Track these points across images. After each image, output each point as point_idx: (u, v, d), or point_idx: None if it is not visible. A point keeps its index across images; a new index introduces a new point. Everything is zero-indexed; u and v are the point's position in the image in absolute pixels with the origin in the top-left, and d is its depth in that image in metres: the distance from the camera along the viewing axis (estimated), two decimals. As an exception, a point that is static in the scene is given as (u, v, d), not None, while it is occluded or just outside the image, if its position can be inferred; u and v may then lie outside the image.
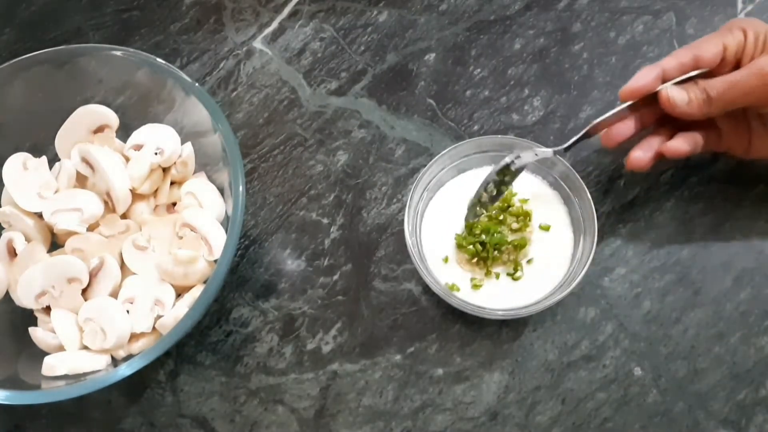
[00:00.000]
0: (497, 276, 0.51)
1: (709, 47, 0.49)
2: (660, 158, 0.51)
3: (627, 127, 0.51)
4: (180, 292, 0.51)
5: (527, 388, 0.50)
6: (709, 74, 0.49)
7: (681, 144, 0.50)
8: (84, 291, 0.51)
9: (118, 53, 0.55)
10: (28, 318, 0.52)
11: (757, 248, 0.53)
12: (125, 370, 0.45)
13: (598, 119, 0.50)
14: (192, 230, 0.51)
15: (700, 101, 0.48)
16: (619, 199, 0.55)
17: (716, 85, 0.48)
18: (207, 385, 0.53)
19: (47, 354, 0.50)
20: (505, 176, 0.53)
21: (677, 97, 0.48)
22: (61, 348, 0.50)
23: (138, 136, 0.56)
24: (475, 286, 0.51)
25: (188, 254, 0.50)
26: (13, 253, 0.52)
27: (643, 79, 0.49)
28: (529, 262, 0.51)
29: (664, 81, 0.49)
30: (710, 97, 0.48)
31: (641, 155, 0.50)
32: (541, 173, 0.54)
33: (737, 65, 0.49)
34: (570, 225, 0.53)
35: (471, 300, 0.50)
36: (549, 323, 0.52)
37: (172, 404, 0.52)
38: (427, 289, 0.54)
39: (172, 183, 0.56)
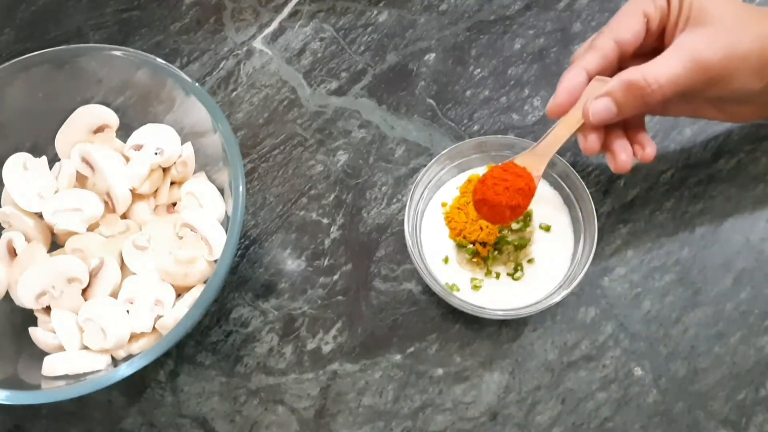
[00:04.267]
0: (497, 276, 0.51)
1: (630, 25, 0.44)
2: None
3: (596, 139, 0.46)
4: (180, 292, 0.51)
5: (527, 388, 0.50)
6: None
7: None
8: (84, 291, 0.51)
9: (118, 53, 0.54)
10: (28, 318, 0.52)
11: (757, 248, 0.53)
12: (125, 370, 0.45)
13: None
14: (192, 230, 0.51)
15: (631, 106, 0.44)
16: (619, 199, 0.55)
17: (649, 82, 0.42)
18: (207, 385, 0.53)
19: (47, 354, 0.50)
20: None
21: (602, 110, 0.44)
22: (61, 348, 0.50)
23: (138, 136, 0.56)
24: (475, 287, 0.51)
25: (188, 254, 0.50)
26: (13, 253, 0.52)
27: (567, 92, 0.45)
28: (529, 262, 0.51)
29: (589, 80, 0.45)
30: (644, 100, 0.43)
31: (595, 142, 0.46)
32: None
33: (661, 35, 0.45)
34: (570, 225, 0.53)
35: (471, 300, 0.50)
36: (549, 323, 0.52)
37: (172, 404, 0.52)
38: (427, 289, 0.54)
39: (172, 183, 0.56)
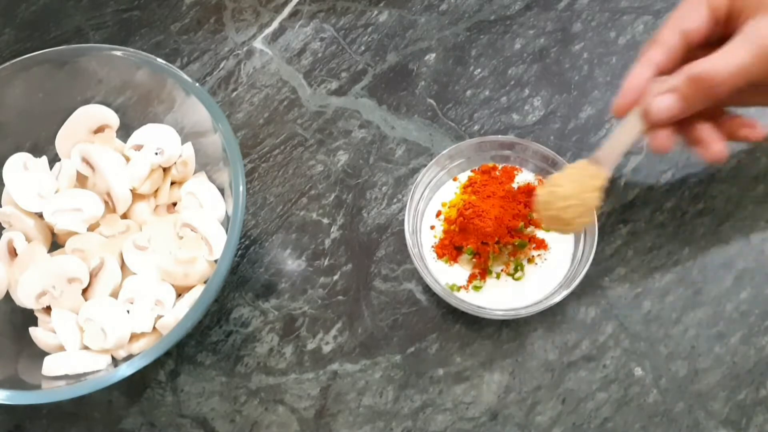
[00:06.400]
0: (497, 276, 0.51)
1: (695, 15, 0.42)
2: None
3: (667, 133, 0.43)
4: (180, 292, 0.51)
5: (527, 388, 0.50)
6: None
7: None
8: (84, 291, 0.51)
9: (118, 53, 0.54)
10: (28, 318, 0.52)
11: (757, 248, 0.53)
12: (125, 370, 0.45)
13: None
14: (192, 230, 0.51)
15: (698, 100, 0.41)
16: (619, 199, 0.55)
17: (714, 75, 0.40)
18: (207, 385, 0.53)
19: (47, 354, 0.50)
20: None
21: (666, 108, 0.41)
22: (61, 348, 0.50)
23: (138, 136, 0.56)
24: (475, 287, 0.51)
25: (188, 254, 0.50)
26: (13, 253, 0.52)
27: (632, 89, 0.42)
28: (529, 261, 0.51)
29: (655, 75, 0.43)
30: (711, 93, 0.40)
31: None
32: (543, 173, 0.54)
33: (728, 22, 0.42)
34: (570, 225, 0.53)
35: (471, 300, 0.50)
36: (549, 323, 0.52)
37: (172, 404, 0.52)
38: (427, 289, 0.54)
39: (172, 183, 0.56)
